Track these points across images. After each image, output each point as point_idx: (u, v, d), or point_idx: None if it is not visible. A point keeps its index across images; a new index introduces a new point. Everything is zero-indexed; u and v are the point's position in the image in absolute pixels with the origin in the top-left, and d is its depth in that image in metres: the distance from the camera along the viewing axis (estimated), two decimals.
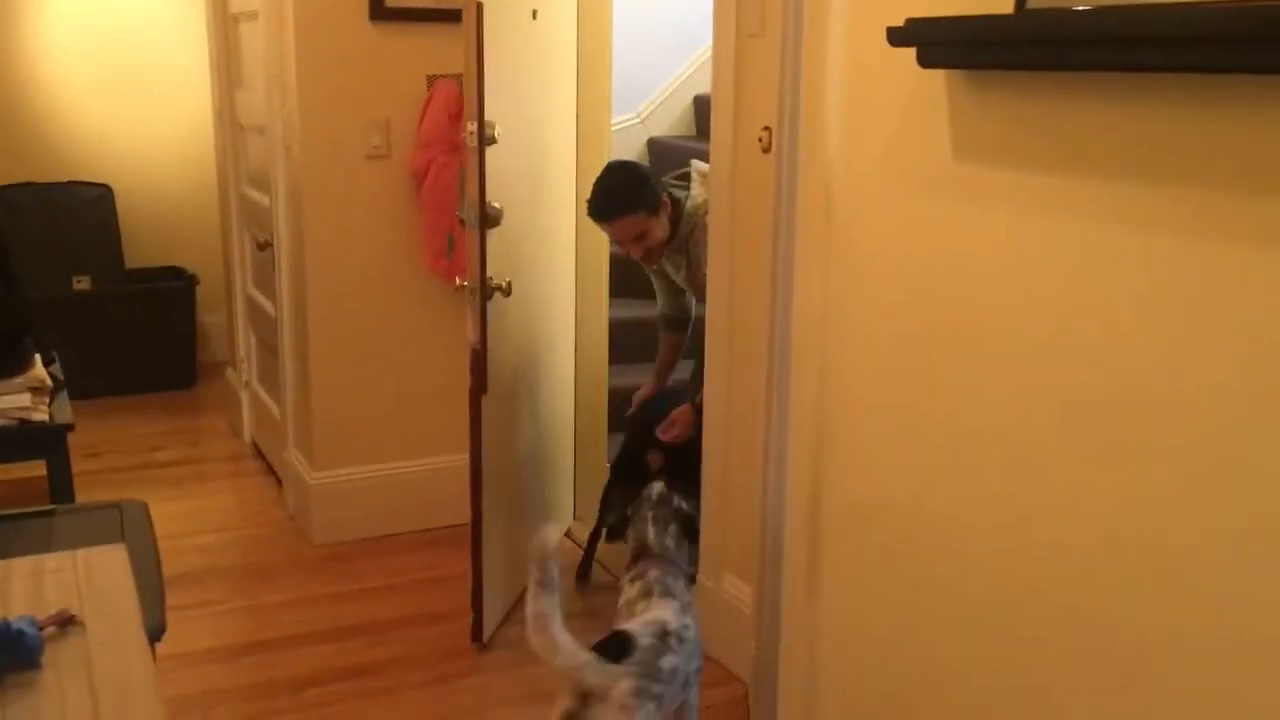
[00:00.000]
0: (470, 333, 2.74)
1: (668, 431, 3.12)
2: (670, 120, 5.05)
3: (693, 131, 5.01)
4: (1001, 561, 1.54)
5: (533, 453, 3.27)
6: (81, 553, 1.50)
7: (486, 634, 2.91)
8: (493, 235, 2.72)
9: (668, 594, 2.18)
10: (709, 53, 2.71)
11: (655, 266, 3.15)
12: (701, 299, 3.10)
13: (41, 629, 1.26)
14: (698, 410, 2.94)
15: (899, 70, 1.52)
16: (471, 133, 2.63)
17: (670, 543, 2.32)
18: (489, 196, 2.68)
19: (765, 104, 2.44)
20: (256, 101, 3.77)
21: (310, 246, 3.39)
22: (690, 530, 2.41)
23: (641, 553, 2.31)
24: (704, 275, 2.95)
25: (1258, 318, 1.18)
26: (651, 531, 2.32)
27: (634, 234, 2.94)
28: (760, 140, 2.49)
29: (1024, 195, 1.42)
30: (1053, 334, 1.42)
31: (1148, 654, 1.34)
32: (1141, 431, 1.32)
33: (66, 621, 1.31)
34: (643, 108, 4.99)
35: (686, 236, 3.00)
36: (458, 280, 2.86)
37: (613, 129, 3.72)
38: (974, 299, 1.53)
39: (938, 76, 1.46)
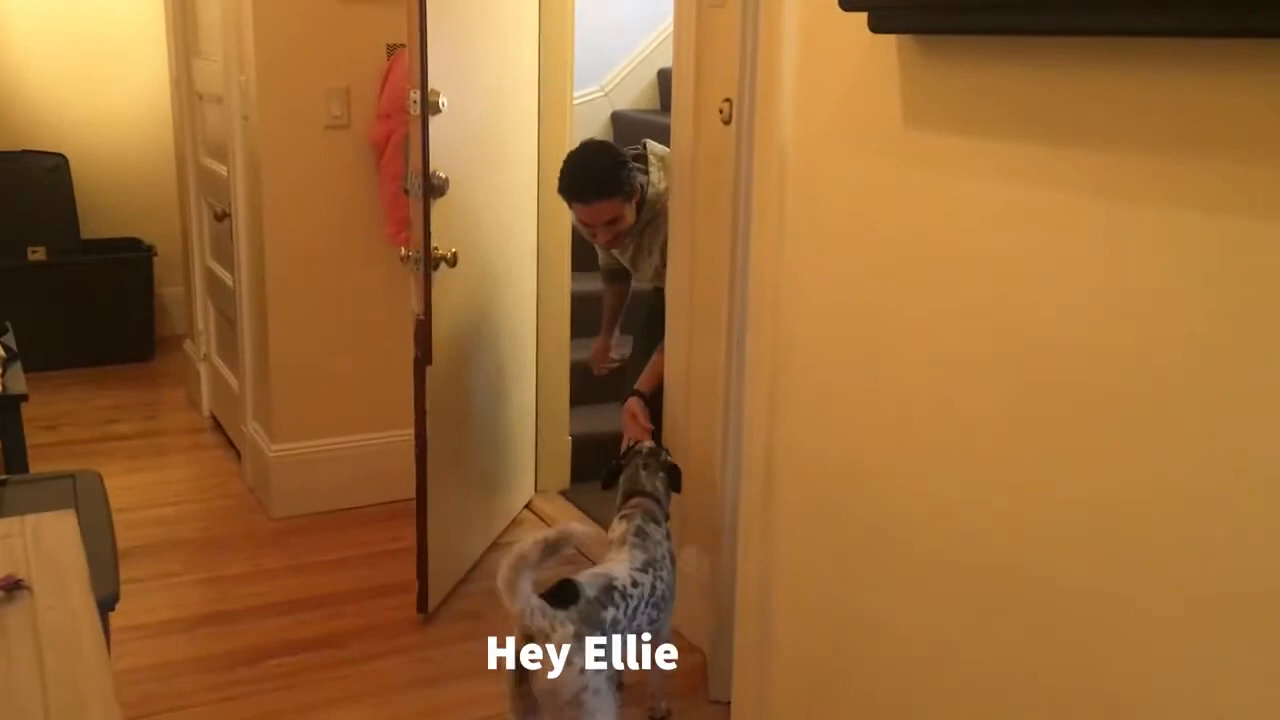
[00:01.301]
0: (414, 302, 2.74)
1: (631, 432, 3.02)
2: (634, 94, 5.03)
3: (657, 105, 5.00)
4: (946, 517, 1.57)
5: (490, 425, 3.27)
6: (30, 518, 1.49)
7: (432, 604, 2.92)
8: (439, 205, 2.71)
9: (638, 547, 2.30)
10: (673, 28, 2.70)
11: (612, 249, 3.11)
12: (645, 280, 3.12)
13: None
14: (639, 395, 2.93)
15: (851, 36, 1.53)
16: (415, 101, 2.61)
17: (659, 486, 2.51)
18: (435, 166, 2.67)
19: (726, 76, 2.44)
20: (214, 70, 3.72)
21: (269, 217, 3.36)
22: (675, 481, 2.59)
23: (633, 491, 2.47)
24: (654, 262, 2.98)
25: (1209, 279, 1.20)
26: (643, 475, 2.51)
27: (608, 218, 2.87)
28: (721, 112, 2.49)
29: (972, 160, 1.43)
30: (999, 296, 1.43)
31: (1095, 608, 1.37)
32: (1084, 389, 1.34)
33: (13, 586, 1.30)
34: (606, 81, 4.97)
35: (646, 223, 2.96)
36: (402, 250, 2.83)
37: (576, 102, 3.71)
38: (921, 262, 1.54)
39: (889, 42, 1.46)
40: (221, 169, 3.75)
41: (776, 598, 2.01)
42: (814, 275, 1.75)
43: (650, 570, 2.26)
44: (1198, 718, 1.26)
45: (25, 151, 4.94)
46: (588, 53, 3.90)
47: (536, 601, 1.93)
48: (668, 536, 2.45)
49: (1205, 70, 1.16)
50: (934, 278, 1.52)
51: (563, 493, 3.70)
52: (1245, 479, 1.19)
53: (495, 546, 3.32)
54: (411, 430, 2.83)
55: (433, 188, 2.68)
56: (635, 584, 2.18)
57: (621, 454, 2.64)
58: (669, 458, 2.63)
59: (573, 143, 3.48)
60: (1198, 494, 1.24)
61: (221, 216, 3.79)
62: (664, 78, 4.92)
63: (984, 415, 1.48)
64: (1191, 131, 1.19)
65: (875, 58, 1.51)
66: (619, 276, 3.29)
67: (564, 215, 3.47)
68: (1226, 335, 1.18)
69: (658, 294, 3.03)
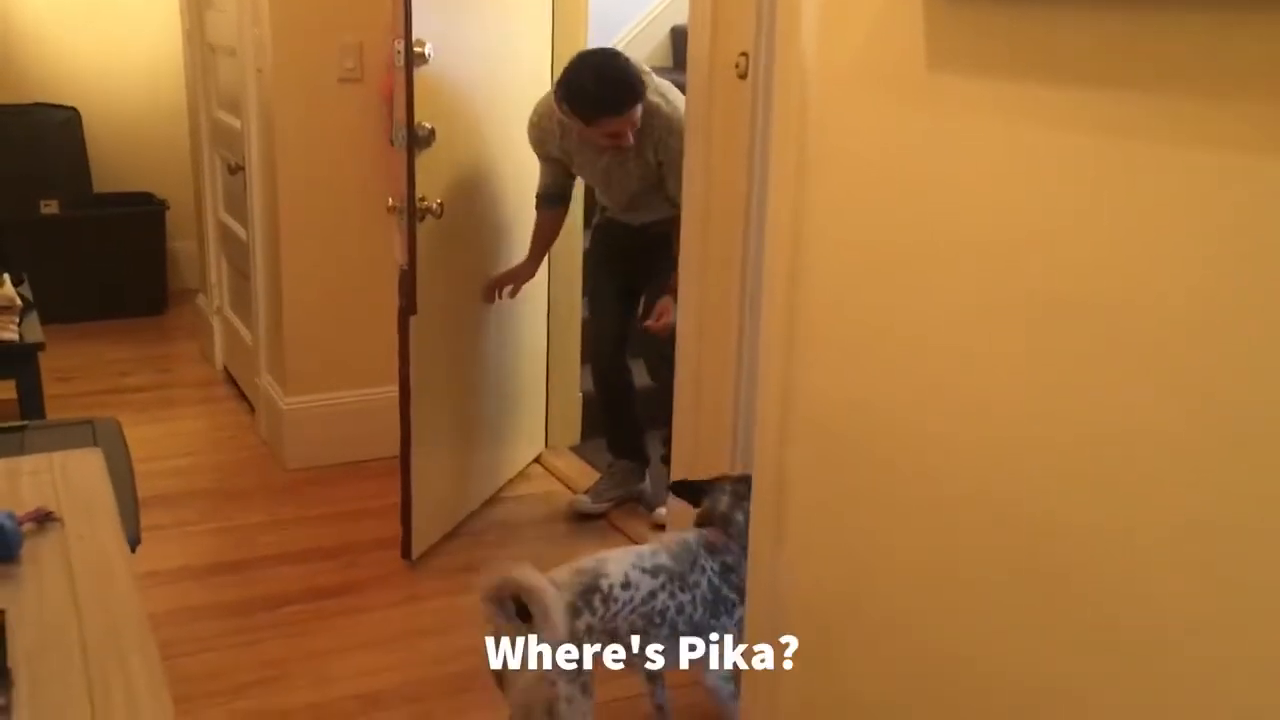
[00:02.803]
0: (398, 253, 2.78)
1: (657, 321, 3.05)
2: (647, 51, 5.01)
3: (670, 63, 4.98)
4: (959, 461, 1.59)
5: (493, 377, 3.30)
6: (58, 455, 1.51)
7: (416, 552, 2.98)
8: (425, 156, 2.74)
9: (665, 551, 2.13)
10: None
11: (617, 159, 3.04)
12: (623, 191, 3.07)
13: (20, 525, 1.28)
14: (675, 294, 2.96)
15: None
16: (399, 52, 2.62)
17: (740, 517, 2.24)
18: (421, 117, 2.70)
19: (742, 30, 2.43)
20: (227, 22, 3.71)
21: (282, 170, 3.37)
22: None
23: (710, 519, 2.25)
24: (641, 162, 2.97)
25: (1230, 224, 1.20)
26: (725, 501, 2.25)
27: (632, 123, 2.88)
28: (737, 66, 2.48)
29: (997, 103, 1.43)
30: (1021, 240, 1.44)
31: (1103, 553, 1.39)
32: (1109, 336, 1.35)
33: (45, 518, 1.33)
34: (619, 39, 4.94)
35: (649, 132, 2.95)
36: (389, 201, 2.84)
37: None
38: (941, 206, 1.55)
39: None
40: (235, 122, 3.75)
41: (789, 547, 2.03)
42: (832, 222, 1.76)
43: (664, 580, 2.08)
44: (1196, 646, 1.29)
45: (37, 104, 4.94)
46: (600, 11, 3.88)
47: (551, 631, 1.83)
48: (722, 575, 2.18)
49: (1238, 8, 1.16)
50: (954, 222, 1.53)
51: (573, 448, 3.73)
52: (1248, 416, 1.20)
53: (498, 499, 3.37)
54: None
55: (418, 139, 2.70)
56: (627, 585, 2.02)
57: (708, 480, 2.35)
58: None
59: None
60: (1211, 433, 1.25)
61: (235, 170, 3.80)
62: (677, 35, 4.90)
63: (999, 358, 1.50)
64: (1220, 71, 1.19)
65: (899, 2, 1.51)
66: (556, 203, 3.22)
67: None
68: (1254, 280, 1.19)
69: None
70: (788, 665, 2.02)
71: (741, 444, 2.56)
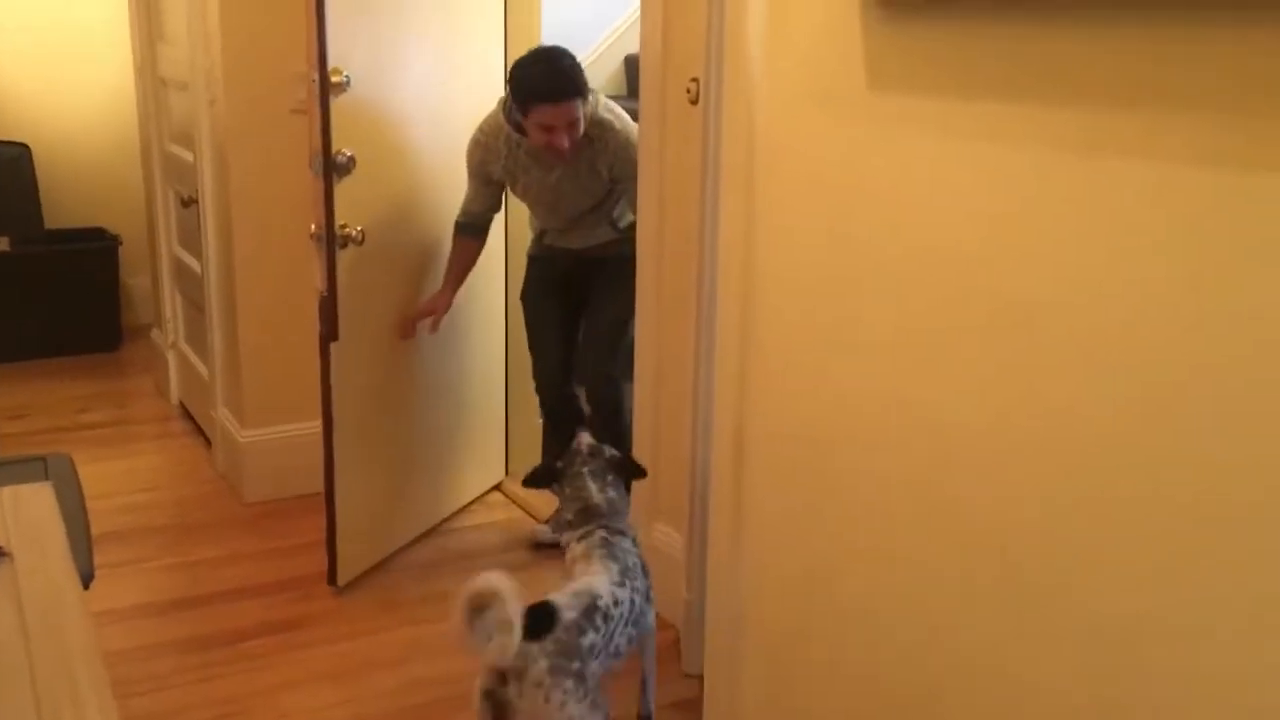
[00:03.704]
0: (318, 280, 2.79)
1: None
2: (601, 80, 5.04)
3: (624, 91, 5.01)
4: (914, 469, 1.61)
5: (439, 404, 3.29)
6: (8, 490, 1.50)
7: (342, 579, 2.99)
8: (347, 184, 2.77)
9: (609, 557, 2.15)
10: (639, 13, 2.72)
11: (559, 169, 2.98)
12: (568, 211, 3.03)
13: None
14: None
15: (815, 1, 1.56)
16: (314, 80, 2.65)
17: (614, 494, 2.29)
18: (342, 144, 2.74)
19: (693, 56, 2.47)
20: (179, 56, 3.70)
21: (236, 202, 3.36)
22: (627, 474, 2.38)
23: (587, 512, 2.26)
24: (594, 177, 2.94)
25: (1165, 231, 1.24)
26: (593, 487, 2.26)
27: (573, 118, 2.83)
28: (689, 92, 2.51)
29: (935, 120, 1.46)
30: (963, 250, 1.47)
31: (1061, 555, 1.41)
32: (1054, 342, 1.38)
33: None
34: None
35: (584, 139, 2.91)
36: (312, 228, 2.84)
37: None
38: (886, 225, 1.58)
39: (852, 5, 1.49)
40: (188, 155, 3.73)
41: (746, 569, 2.04)
42: (781, 244, 1.79)
43: (627, 582, 2.12)
44: (1161, 644, 1.31)
45: None
46: (554, 40, 3.91)
47: (506, 639, 1.79)
48: (635, 544, 2.26)
49: (1173, 23, 1.20)
50: (897, 236, 1.56)
51: None
52: (1224, 430, 1.23)
53: (455, 529, 3.37)
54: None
55: (338, 166, 2.75)
56: (618, 602, 2.05)
57: (557, 464, 2.35)
58: (613, 451, 2.37)
59: None
60: (1170, 443, 1.28)
61: (188, 202, 3.78)
62: (630, 64, 4.94)
63: (946, 366, 1.52)
64: (1155, 84, 1.23)
65: (839, 22, 1.55)
66: (476, 232, 3.14)
67: None
68: (1200, 286, 1.22)
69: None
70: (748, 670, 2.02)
71: (700, 475, 2.58)
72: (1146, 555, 1.30)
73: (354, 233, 2.82)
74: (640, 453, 2.88)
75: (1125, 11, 1.22)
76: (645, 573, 2.25)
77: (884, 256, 1.58)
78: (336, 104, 2.70)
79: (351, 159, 2.78)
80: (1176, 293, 1.22)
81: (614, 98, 4.96)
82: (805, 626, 1.89)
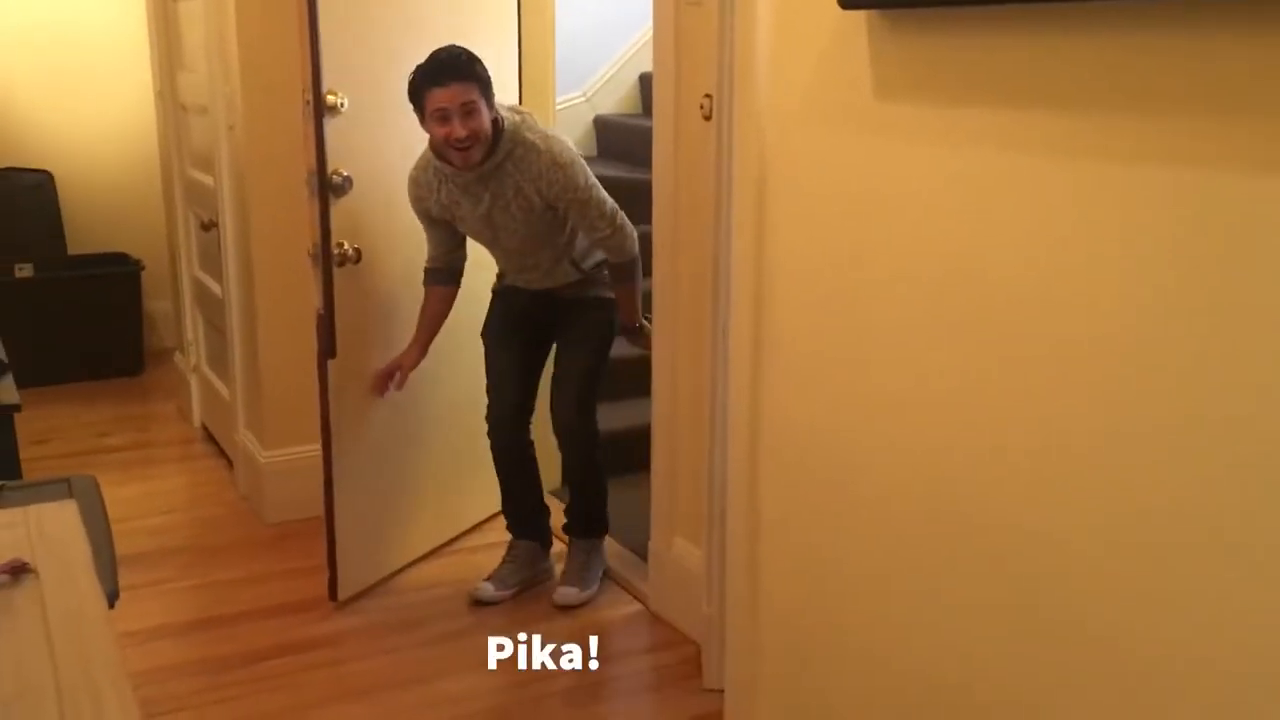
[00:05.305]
0: (316, 297, 2.83)
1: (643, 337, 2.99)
2: (616, 98, 5.08)
3: (639, 109, 5.05)
4: (925, 475, 1.61)
5: (447, 422, 3.29)
6: (32, 509, 1.51)
7: (343, 594, 3.01)
8: (343, 203, 2.82)
9: None
10: (652, 32, 2.74)
11: (463, 178, 2.81)
12: (509, 239, 2.86)
13: None
14: (634, 329, 3.00)
15: (822, 15, 1.58)
16: (308, 103, 2.69)
17: None
18: (338, 165, 2.80)
19: (706, 72, 2.48)
20: (199, 81, 3.75)
21: (256, 225, 3.39)
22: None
23: None
24: (525, 203, 2.77)
25: (1178, 235, 1.24)
26: None
27: (465, 101, 2.66)
28: (702, 108, 2.53)
29: (941, 128, 1.48)
30: (971, 260, 1.48)
31: (1066, 558, 1.41)
32: (1062, 348, 1.38)
33: (20, 569, 1.32)
34: (588, 86, 5.02)
35: (504, 157, 2.76)
36: (310, 246, 2.86)
37: (558, 107, 3.75)
38: (894, 231, 1.59)
39: (858, 18, 1.51)
40: (208, 179, 3.77)
41: (764, 582, 2.04)
42: (792, 252, 1.80)
43: None
44: (1162, 645, 1.31)
45: (10, 169, 4.96)
46: (568, 59, 3.94)
47: None
48: None
49: (1169, 29, 1.20)
50: (906, 245, 1.57)
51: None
52: (1207, 428, 1.23)
53: (469, 548, 3.37)
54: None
55: (334, 186, 2.80)
56: None
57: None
58: None
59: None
60: (1159, 444, 1.28)
61: (208, 226, 3.82)
62: (645, 81, 4.97)
63: (956, 374, 1.53)
64: (1153, 90, 1.23)
65: (846, 35, 1.56)
66: (447, 279, 2.99)
67: None
68: (1192, 289, 1.23)
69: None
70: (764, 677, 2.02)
71: (717, 490, 2.57)
72: (1161, 558, 1.30)
73: (349, 251, 2.86)
74: (657, 469, 2.89)
75: (1130, 19, 1.23)
76: None
77: (896, 265, 1.58)
78: (333, 125, 2.75)
79: (348, 179, 2.82)
80: (1196, 297, 1.22)
81: (628, 115, 5.03)
82: (826, 636, 1.89)
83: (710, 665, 2.62)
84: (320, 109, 2.71)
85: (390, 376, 3.02)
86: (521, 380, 3.08)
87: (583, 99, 5.00)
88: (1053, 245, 1.36)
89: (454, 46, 2.75)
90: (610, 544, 3.25)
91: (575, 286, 3.01)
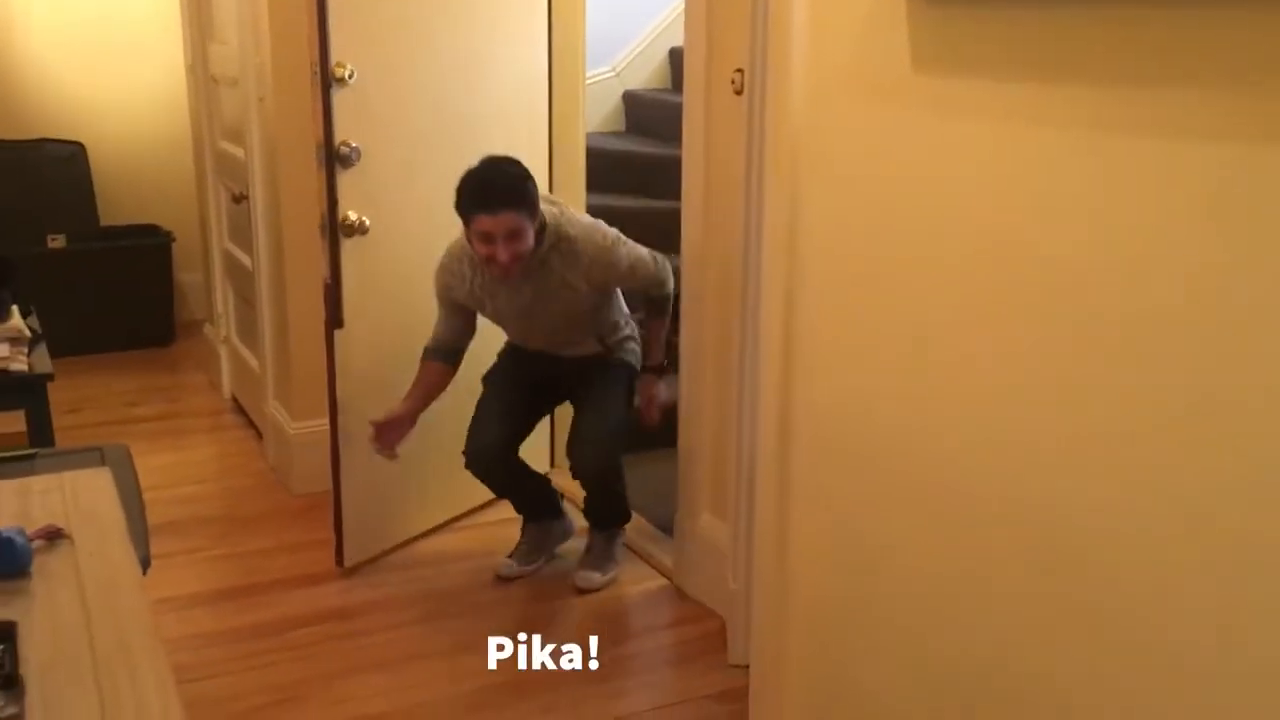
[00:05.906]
0: (323, 268, 2.87)
1: (649, 407, 2.99)
2: (646, 74, 5.06)
3: (668, 84, 5.03)
4: (962, 460, 1.60)
5: (465, 395, 3.27)
6: (67, 475, 1.53)
7: (349, 560, 3.04)
8: (351, 174, 2.83)
9: None
10: (684, 4, 2.72)
11: (505, 284, 2.79)
12: (546, 325, 2.86)
13: (30, 541, 1.29)
14: (655, 370, 2.98)
15: None
16: (315, 73, 2.71)
17: None
18: (347, 136, 2.81)
19: (737, 47, 2.47)
20: (229, 54, 3.76)
21: (285, 197, 3.40)
22: None
23: None
24: (571, 294, 2.77)
25: (1228, 215, 1.22)
26: None
27: (512, 228, 2.61)
28: (733, 83, 2.51)
29: (979, 101, 1.46)
30: (1008, 236, 1.46)
31: (1111, 548, 1.40)
32: (1105, 331, 1.37)
33: (55, 535, 1.34)
34: (617, 61, 4.99)
35: (548, 251, 2.74)
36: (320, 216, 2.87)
37: (588, 82, 3.74)
38: (930, 206, 1.57)
39: None
40: (238, 152, 3.79)
41: (792, 557, 2.04)
42: (825, 229, 1.78)
43: None
44: (1208, 641, 1.30)
45: (43, 140, 4.99)
46: (598, 34, 3.92)
47: None
48: None
49: (1215, 1, 1.18)
50: (942, 221, 1.55)
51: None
52: (1246, 406, 1.21)
53: (481, 519, 3.37)
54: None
55: (342, 158, 2.81)
56: None
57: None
58: None
59: (586, 123, 3.52)
60: (1197, 420, 1.26)
61: (239, 199, 3.84)
62: (675, 56, 4.94)
63: (997, 357, 1.51)
64: (1196, 65, 1.21)
65: (883, 6, 1.54)
66: (446, 357, 2.94)
67: (577, 184, 3.49)
68: (1228, 263, 1.21)
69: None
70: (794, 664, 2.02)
71: (744, 465, 2.57)
72: (1205, 546, 1.29)
73: (357, 221, 2.87)
74: (684, 444, 2.89)
75: None
76: None
77: (931, 241, 1.57)
78: (341, 96, 2.76)
79: (356, 150, 2.83)
80: (1241, 272, 1.20)
81: (659, 90, 5.00)
82: (853, 612, 1.89)
83: (736, 640, 2.63)
84: (327, 79, 2.72)
85: (379, 443, 2.91)
86: (511, 425, 3.00)
87: (612, 74, 4.98)
88: (1100, 225, 1.34)
89: (505, 162, 2.69)
90: (635, 519, 3.26)
91: (594, 356, 3.00)
